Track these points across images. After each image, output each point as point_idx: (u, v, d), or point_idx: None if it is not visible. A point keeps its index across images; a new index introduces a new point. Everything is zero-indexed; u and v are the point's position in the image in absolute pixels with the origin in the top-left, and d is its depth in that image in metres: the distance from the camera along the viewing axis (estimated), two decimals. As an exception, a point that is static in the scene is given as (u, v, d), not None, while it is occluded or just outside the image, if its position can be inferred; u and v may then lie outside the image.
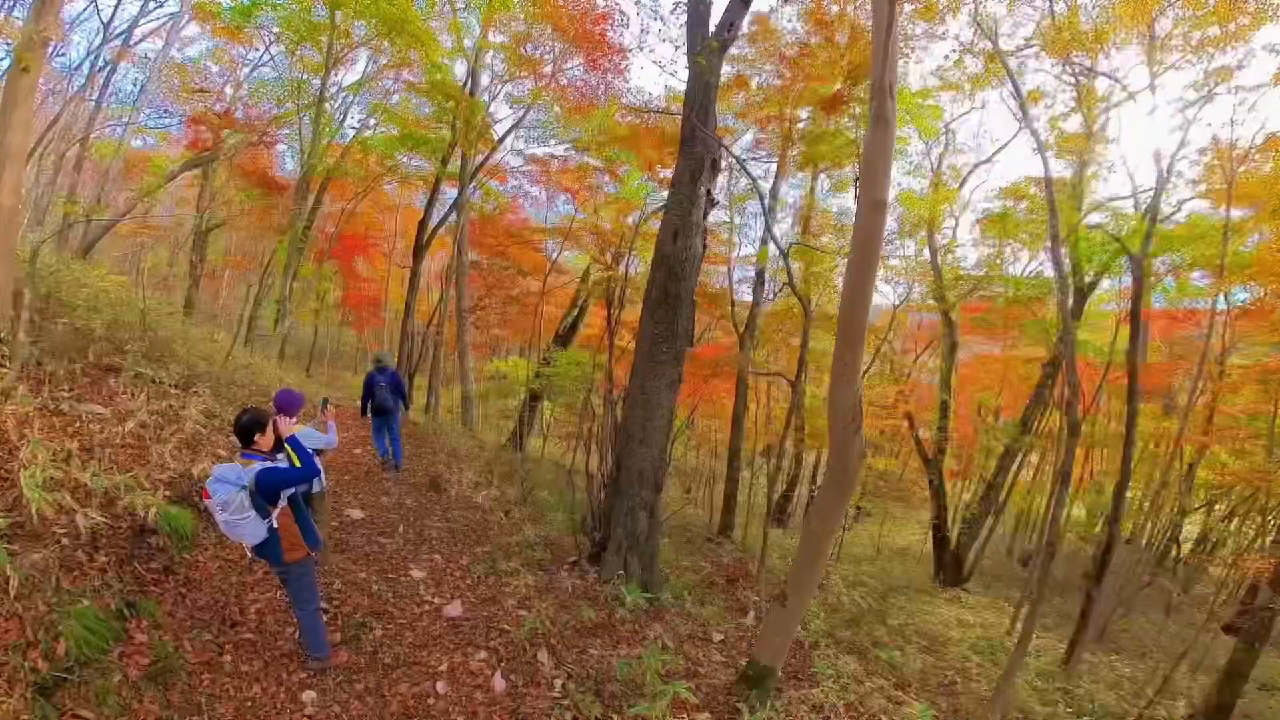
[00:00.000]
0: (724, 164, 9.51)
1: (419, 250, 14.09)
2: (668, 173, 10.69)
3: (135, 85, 15.32)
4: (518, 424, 14.51)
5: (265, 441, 3.49)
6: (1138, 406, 9.38)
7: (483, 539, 6.34)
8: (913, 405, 15.02)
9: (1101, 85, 10.88)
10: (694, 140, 7.36)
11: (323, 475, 4.76)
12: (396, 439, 7.60)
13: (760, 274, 13.55)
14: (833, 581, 10.65)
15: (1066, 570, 16.27)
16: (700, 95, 7.43)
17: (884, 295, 22.67)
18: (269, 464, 3.43)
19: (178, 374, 7.13)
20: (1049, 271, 14.71)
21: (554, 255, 15.84)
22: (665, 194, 13.34)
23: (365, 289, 23.94)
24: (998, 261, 15.98)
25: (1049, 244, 12.75)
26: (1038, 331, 12.33)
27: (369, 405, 7.24)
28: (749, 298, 14.01)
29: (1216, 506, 15.31)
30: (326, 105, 14.39)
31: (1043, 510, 18.73)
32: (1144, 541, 10.92)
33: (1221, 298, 12.18)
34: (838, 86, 9.36)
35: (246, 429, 3.44)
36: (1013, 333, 18.45)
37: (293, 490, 3.54)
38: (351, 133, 15.48)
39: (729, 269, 12.67)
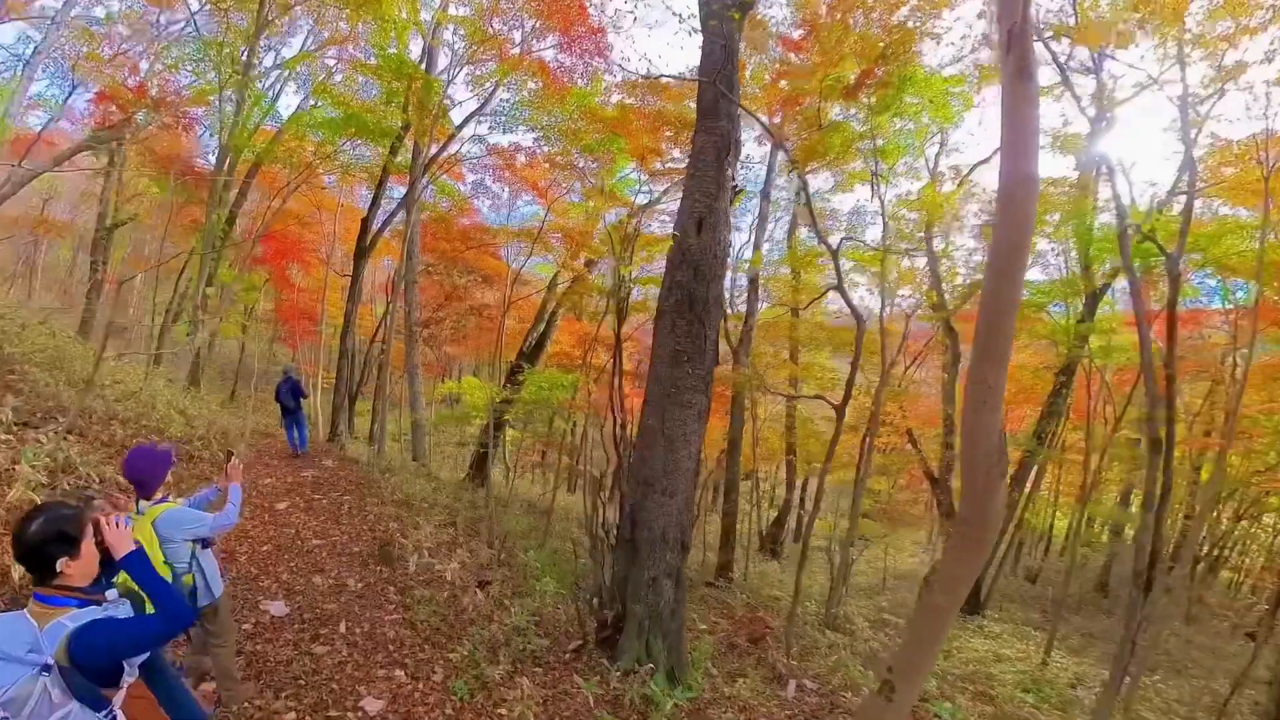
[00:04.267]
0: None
1: (361, 253, 12.15)
2: (665, 164, 9.34)
3: (27, 48, 12.77)
4: (475, 457, 12.72)
5: (79, 568, 1.81)
6: (1174, 413, 8.70)
7: (458, 632, 4.67)
8: (913, 420, 14.10)
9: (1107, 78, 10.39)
10: (717, 112, 6.05)
11: (217, 576, 3.06)
12: (302, 428, 9.55)
13: (754, 281, 12.38)
14: (858, 626, 9.47)
15: (1079, 585, 15.96)
16: (722, 60, 6.14)
17: (875, 305, 21.91)
18: (95, 611, 1.78)
19: (23, 408, 5.19)
20: (1042, 274, 14.40)
21: (520, 262, 14.10)
22: (657, 189, 12.12)
23: (300, 300, 21.32)
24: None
25: (1071, 242, 12.27)
26: (1060, 336, 11.70)
27: (280, 406, 9.33)
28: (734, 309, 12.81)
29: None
30: (257, 81, 12.37)
31: (1049, 525, 18.36)
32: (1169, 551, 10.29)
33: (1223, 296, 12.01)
34: (858, 71, 8.30)
35: (39, 550, 1.76)
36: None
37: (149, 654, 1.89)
38: (287, 113, 13.39)
39: (729, 276, 11.28)
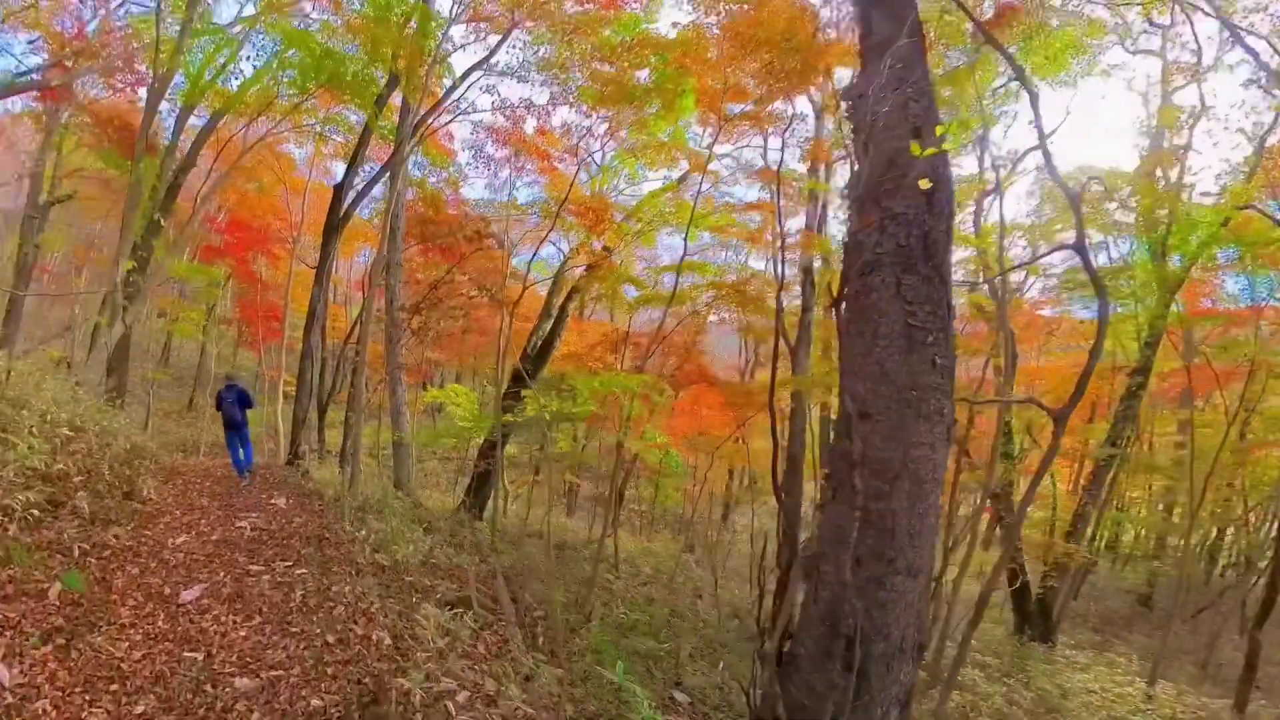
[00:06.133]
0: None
1: (332, 228, 9.66)
2: (749, 105, 7.27)
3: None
4: (474, 480, 10.36)
5: None
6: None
7: None
8: (963, 430, 12.40)
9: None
10: (903, -3, 4.08)
11: None
12: (247, 444, 8.00)
13: (809, 270, 10.47)
14: (967, 677, 7.73)
15: (1122, 602, 15.19)
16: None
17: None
18: None
19: None
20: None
21: (522, 256, 11.74)
22: (720, 148, 10.00)
23: (267, 298, 18.47)
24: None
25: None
26: (1129, 332, 10.41)
27: (222, 419, 7.87)
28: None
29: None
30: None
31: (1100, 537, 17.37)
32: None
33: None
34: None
35: None
36: (1039, 339, 16.55)
37: None
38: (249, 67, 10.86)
39: (778, 258, 9.19)
